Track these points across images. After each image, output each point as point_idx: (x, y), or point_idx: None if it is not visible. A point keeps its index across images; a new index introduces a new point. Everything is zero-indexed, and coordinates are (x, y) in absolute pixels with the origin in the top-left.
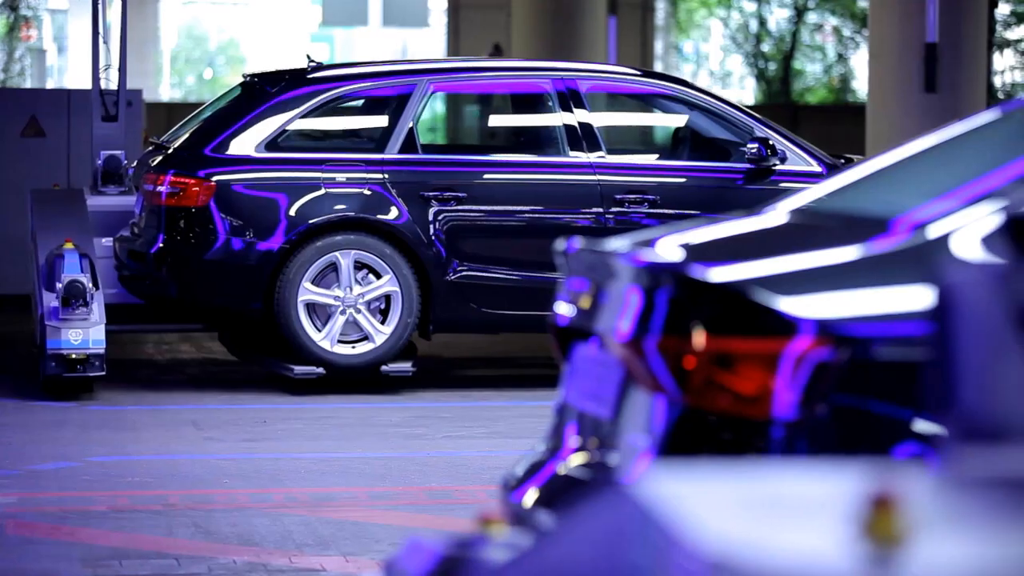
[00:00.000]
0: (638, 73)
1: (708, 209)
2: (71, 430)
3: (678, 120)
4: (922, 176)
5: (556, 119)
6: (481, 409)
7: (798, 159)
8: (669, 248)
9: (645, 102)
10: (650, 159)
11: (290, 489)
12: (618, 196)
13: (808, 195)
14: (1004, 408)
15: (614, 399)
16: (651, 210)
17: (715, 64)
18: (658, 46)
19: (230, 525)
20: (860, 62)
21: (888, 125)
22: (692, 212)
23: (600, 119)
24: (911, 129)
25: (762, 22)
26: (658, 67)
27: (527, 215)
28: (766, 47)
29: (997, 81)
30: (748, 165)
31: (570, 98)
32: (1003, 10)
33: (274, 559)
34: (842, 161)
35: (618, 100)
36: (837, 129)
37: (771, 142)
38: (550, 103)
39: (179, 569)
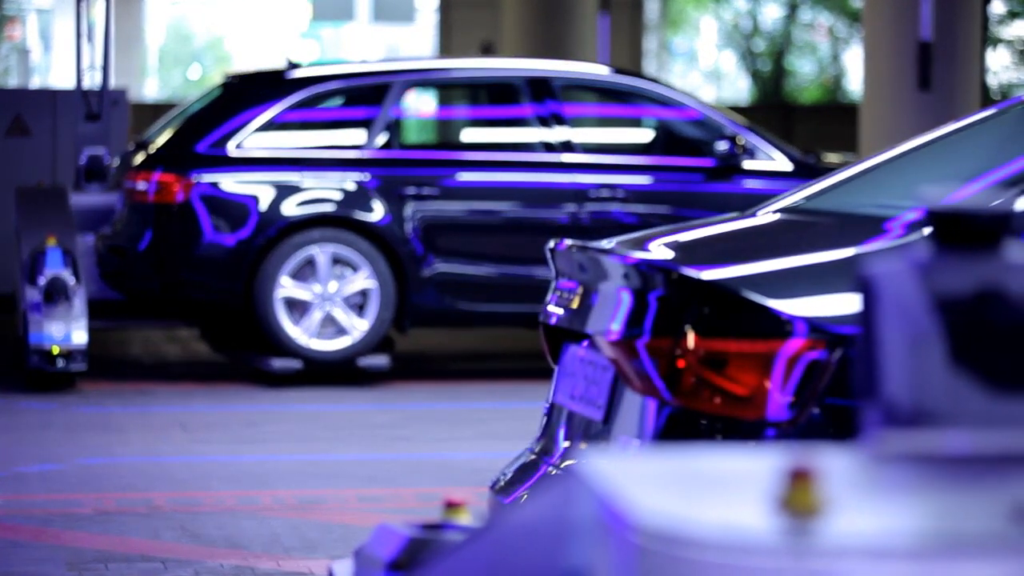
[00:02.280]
0: (611, 71)
1: (681, 206)
2: (57, 432)
3: (651, 118)
4: (917, 175)
5: (530, 118)
6: (470, 410)
7: (768, 156)
8: (660, 248)
9: (618, 100)
10: (624, 157)
11: (277, 492)
12: (592, 193)
13: (801, 194)
14: (922, 395)
15: (605, 401)
16: (625, 207)
17: (707, 63)
18: (651, 44)
19: (217, 528)
20: (854, 60)
21: (882, 123)
22: (665, 209)
23: (573, 117)
24: (905, 127)
25: (754, 20)
26: (651, 65)
27: (502, 212)
28: (759, 45)
29: (991, 79)
30: (719, 162)
31: (544, 97)
32: (997, 8)
33: (261, 562)
34: (812, 159)
35: (591, 98)
36: (831, 127)
37: (741, 139)
38: (524, 102)
39: (165, 572)
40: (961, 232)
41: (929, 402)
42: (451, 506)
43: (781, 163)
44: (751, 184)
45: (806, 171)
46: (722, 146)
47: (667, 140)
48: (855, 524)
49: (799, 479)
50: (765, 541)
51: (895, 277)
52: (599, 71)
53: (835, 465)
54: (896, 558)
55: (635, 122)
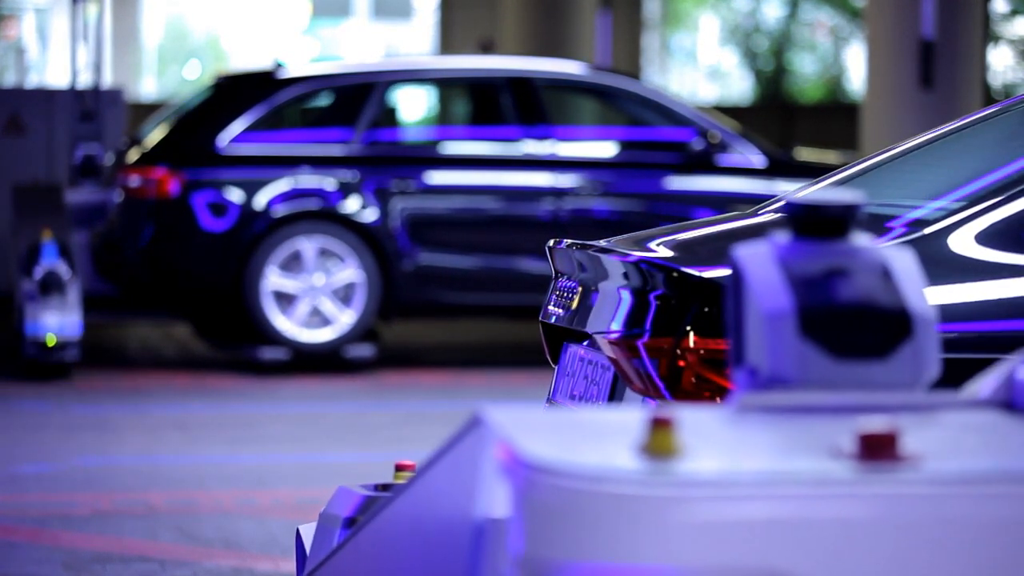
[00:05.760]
0: (590, 69)
1: (659, 202)
2: (53, 432)
3: (629, 115)
4: (919, 174)
5: (511, 115)
6: (468, 410)
7: (742, 153)
8: (661, 247)
9: (598, 97)
10: (602, 154)
11: (275, 492)
12: (571, 190)
13: (803, 193)
14: (777, 361)
15: (605, 400)
16: (603, 204)
17: (708, 61)
18: (651, 43)
19: (214, 529)
20: (855, 58)
21: (884, 122)
22: (642, 205)
23: (553, 114)
24: (907, 126)
25: (755, 18)
26: (651, 64)
27: (484, 208)
28: (760, 44)
29: (993, 77)
30: (694, 159)
31: (525, 95)
32: (999, 7)
33: (259, 564)
34: (787, 156)
35: (572, 95)
36: (832, 126)
37: (716, 136)
38: (506, 100)
39: (163, 573)
40: (814, 222)
41: (783, 367)
42: (401, 468)
43: (756, 160)
44: (726, 180)
45: (781, 168)
46: (698, 143)
47: (644, 137)
48: (705, 464)
49: (658, 427)
50: (627, 475)
51: (757, 260)
52: (577, 69)
53: (697, 418)
54: (735, 488)
55: (613, 119)
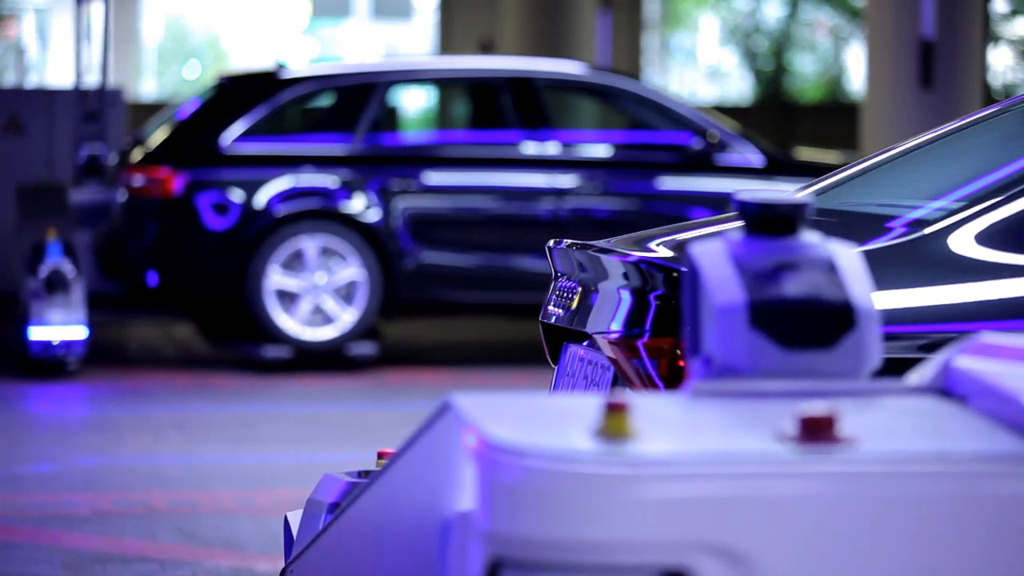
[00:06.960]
0: (588, 69)
1: (658, 202)
2: (53, 433)
3: (628, 114)
4: (919, 174)
5: (511, 116)
6: None
7: (741, 153)
8: (661, 247)
9: (597, 97)
10: (600, 154)
11: (275, 492)
12: (571, 189)
13: (802, 193)
14: (730, 351)
15: None
16: (602, 203)
17: (708, 61)
18: (651, 43)
19: (214, 529)
20: (855, 58)
21: (883, 122)
22: (640, 205)
23: (553, 114)
24: (906, 126)
25: (755, 18)
26: (651, 64)
27: (484, 207)
28: (760, 44)
29: (992, 77)
30: (693, 158)
31: (525, 95)
32: (999, 7)
33: (259, 564)
34: (785, 156)
35: (571, 95)
36: (832, 126)
37: (715, 136)
38: (506, 101)
39: (163, 573)
40: (765, 221)
41: (735, 357)
42: (382, 456)
43: (755, 160)
44: (725, 180)
45: (780, 168)
46: (697, 143)
47: (643, 137)
48: (656, 445)
49: (613, 411)
50: (583, 455)
51: (711, 256)
52: (577, 70)
53: (651, 404)
54: (683, 467)
55: (613, 119)
